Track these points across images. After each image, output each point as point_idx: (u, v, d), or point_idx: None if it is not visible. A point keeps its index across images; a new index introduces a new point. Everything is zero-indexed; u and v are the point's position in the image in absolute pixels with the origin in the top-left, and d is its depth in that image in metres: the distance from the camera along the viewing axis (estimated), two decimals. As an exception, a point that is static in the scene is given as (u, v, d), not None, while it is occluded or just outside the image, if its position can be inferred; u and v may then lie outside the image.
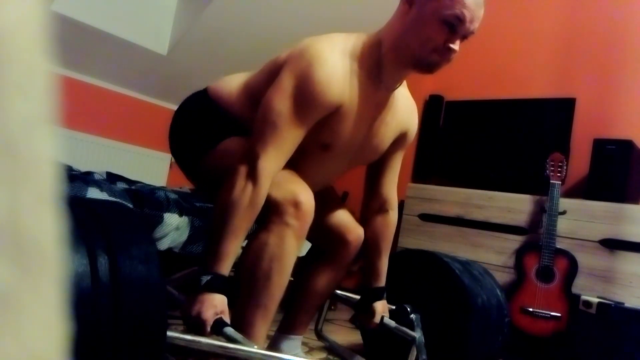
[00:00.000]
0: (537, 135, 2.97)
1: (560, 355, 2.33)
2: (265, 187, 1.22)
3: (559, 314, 2.40)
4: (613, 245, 2.45)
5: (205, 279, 1.15)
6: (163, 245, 1.96)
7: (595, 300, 2.19)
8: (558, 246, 2.47)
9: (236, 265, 1.31)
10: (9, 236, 0.21)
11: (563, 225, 2.54)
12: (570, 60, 3.15)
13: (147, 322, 0.80)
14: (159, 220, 1.97)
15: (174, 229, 1.99)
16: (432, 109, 3.46)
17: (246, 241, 1.28)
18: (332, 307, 3.05)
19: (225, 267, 1.18)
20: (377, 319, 1.63)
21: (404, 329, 1.63)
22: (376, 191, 1.60)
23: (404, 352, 1.64)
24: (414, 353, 1.59)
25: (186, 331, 1.13)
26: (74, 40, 2.67)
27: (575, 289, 2.43)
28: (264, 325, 1.33)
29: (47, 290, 0.22)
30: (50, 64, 0.23)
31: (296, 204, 1.26)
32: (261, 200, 1.22)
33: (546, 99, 3.04)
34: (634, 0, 3.00)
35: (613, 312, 2.12)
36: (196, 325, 1.13)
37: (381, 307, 1.64)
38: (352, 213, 1.67)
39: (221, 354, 1.10)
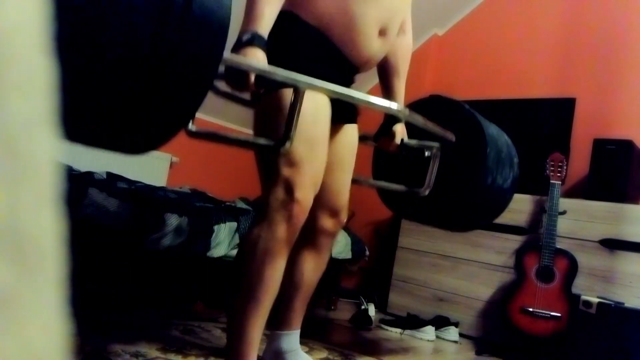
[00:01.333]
0: (537, 135, 2.97)
1: (560, 355, 2.33)
2: None
3: (559, 314, 2.40)
4: (613, 245, 2.45)
5: (246, 36, 1.20)
6: (163, 244, 1.97)
7: (595, 300, 2.19)
8: (558, 246, 2.47)
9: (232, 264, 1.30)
10: (9, 236, 0.21)
11: (563, 225, 2.54)
12: (570, 60, 3.15)
13: (211, 34, 0.78)
14: (159, 220, 1.97)
15: (173, 229, 1.99)
16: (432, 109, 3.45)
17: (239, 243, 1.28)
18: (333, 307, 3.05)
19: (263, 28, 1.22)
20: (397, 140, 1.66)
21: (425, 142, 1.65)
22: None
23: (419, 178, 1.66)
24: (435, 161, 1.63)
25: None
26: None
27: (575, 289, 2.43)
28: (258, 319, 1.32)
29: (47, 290, 0.22)
30: (50, 64, 0.23)
31: (291, 202, 1.28)
32: None
33: (546, 99, 3.04)
34: (634, 0, 3.01)
35: (613, 312, 2.12)
36: (239, 77, 1.16)
37: (401, 129, 1.68)
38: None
39: (269, 76, 1.17)
